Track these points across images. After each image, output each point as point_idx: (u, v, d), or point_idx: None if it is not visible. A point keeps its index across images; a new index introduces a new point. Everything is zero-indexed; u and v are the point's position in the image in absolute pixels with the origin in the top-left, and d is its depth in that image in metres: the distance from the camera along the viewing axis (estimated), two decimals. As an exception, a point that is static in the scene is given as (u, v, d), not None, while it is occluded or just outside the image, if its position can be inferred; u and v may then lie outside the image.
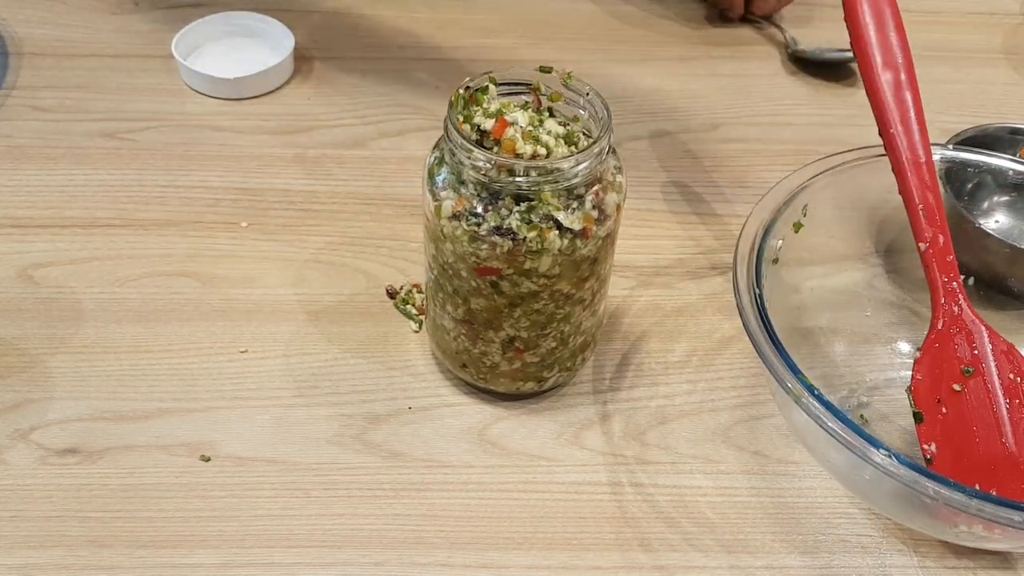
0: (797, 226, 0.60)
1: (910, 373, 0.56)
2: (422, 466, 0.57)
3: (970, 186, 0.69)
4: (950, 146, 0.66)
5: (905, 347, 0.63)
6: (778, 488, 0.57)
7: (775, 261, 0.58)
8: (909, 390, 0.56)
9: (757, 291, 0.54)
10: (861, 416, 0.60)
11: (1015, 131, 0.71)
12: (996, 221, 0.69)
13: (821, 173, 0.61)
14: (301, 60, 0.84)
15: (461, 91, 0.52)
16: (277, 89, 0.82)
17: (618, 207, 0.53)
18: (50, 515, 0.54)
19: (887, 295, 0.66)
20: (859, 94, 0.85)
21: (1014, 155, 0.71)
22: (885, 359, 0.63)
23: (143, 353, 0.62)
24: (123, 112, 0.78)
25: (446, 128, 0.50)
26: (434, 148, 0.53)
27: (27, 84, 0.81)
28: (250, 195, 0.72)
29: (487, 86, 0.53)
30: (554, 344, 0.56)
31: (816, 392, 0.49)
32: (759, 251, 0.56)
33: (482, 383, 0.59)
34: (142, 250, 0.68)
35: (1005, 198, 0.69)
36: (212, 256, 0.68)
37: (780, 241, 0.59)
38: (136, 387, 0.60)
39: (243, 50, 0.84)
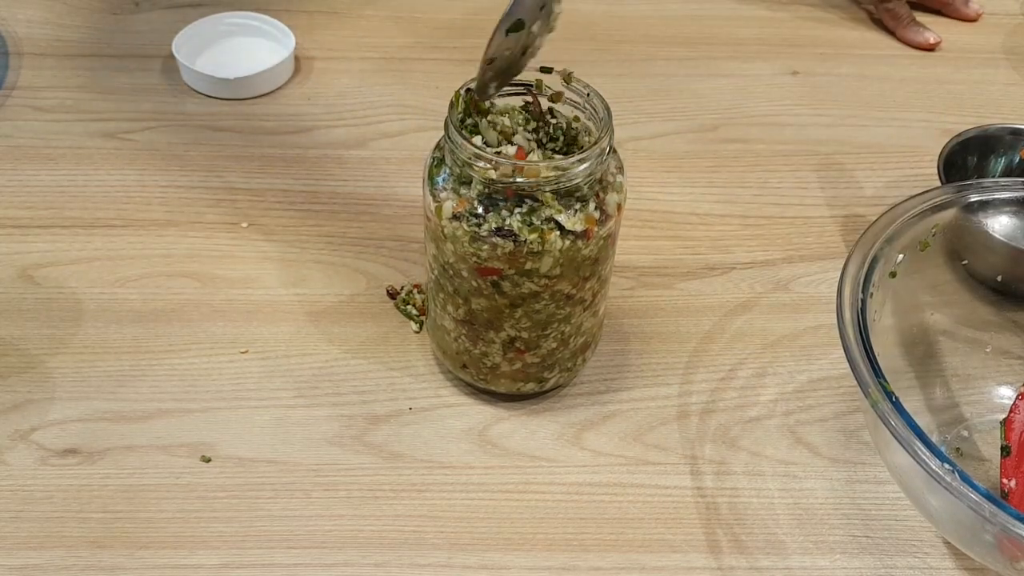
0: (924, 244, 0.57)
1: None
2: (422, 467, 0.57)
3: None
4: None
5: None
6: (778, 488, 0.57)
7: (892, 275, 0.55)
8: (1003, 422, 0.54)
9: (861, 296, 0.51)
10: (957, 449, 0.58)
11: (1015, 131, 0.71)
12: (998, 221, 0.69)
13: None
14: (301, 60, 0.84)
15: (461, 91, 0.52)
16: (277, 89, 0.81)
17: (619, 207, 0.52)
18: (50, 516, 0.54)
19: (1013, 334, 0.63)
20: (859, 94, 0.86)
21: (1014, 155, 0.71)
22: (998, 401, 0.60)
23: (143, 353, 0.62)
24: (123, 112, 0.78)
25: (446, 128, 0.50)
26: (434, 148, 0.53)
27: (27, 84, 0.80)
28: (250, 195, 0.72)
29: (487, 86, 0.53)
30: (555, 345, 0.56)
31: (894, 398, 0.47)
32: (874, 258, 0.53)
33: (482, 384, 0.59)
34: (142, 250, 0.68)
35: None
36: (212, 256, 0.68)
37: (902, 255, 0.55)
38: (136, 387, 0.60)
39: (243, 50, 0.84)
